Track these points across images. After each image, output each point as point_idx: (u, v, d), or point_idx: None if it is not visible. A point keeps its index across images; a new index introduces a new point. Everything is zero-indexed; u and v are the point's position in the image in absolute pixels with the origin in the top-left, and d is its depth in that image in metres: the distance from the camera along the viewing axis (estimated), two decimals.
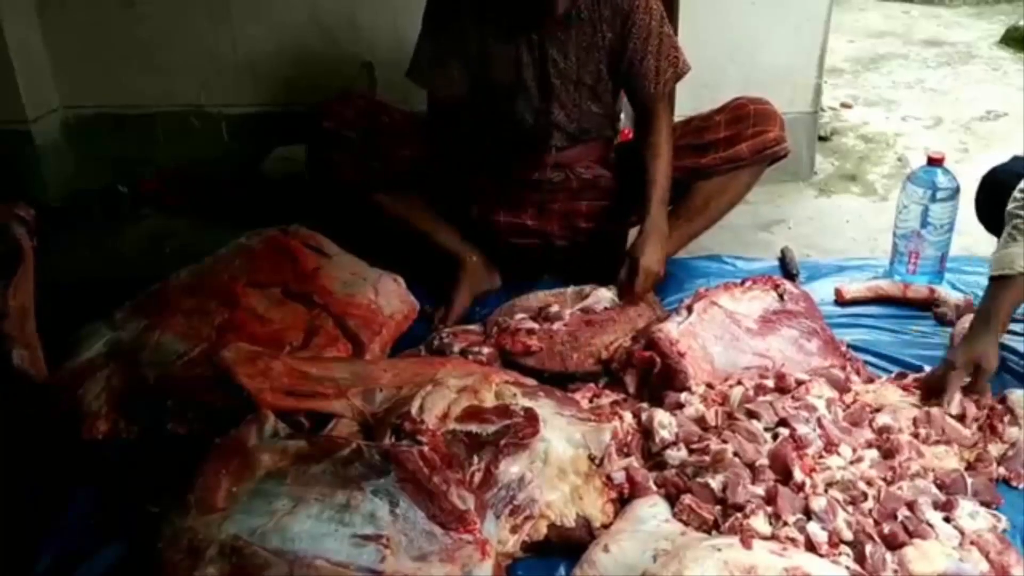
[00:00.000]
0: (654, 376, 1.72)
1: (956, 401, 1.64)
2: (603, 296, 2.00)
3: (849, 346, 1.90)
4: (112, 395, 1.70)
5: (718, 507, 1.38)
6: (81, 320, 1.85)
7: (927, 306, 2.08)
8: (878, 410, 1.63)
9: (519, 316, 1.96)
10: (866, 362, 1.86)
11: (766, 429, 1.53)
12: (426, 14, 2.05)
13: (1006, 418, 1.61)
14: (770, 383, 1.68)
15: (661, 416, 1.58)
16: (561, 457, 1.42)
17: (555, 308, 1.97)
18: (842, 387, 1.68)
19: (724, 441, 1.49)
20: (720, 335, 1.79)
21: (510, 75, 2.03)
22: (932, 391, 1.68)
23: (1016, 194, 1.79)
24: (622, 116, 2.28)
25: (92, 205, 2.81)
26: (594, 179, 2.17)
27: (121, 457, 1.63)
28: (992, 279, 1.73)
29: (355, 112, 2.07)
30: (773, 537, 1.31)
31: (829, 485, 1.41)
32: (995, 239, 1.94)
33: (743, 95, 2.14)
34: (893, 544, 1.31)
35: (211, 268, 1.94)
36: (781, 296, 1.90)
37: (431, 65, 2.05)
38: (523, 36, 1.99)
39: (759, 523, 1.33)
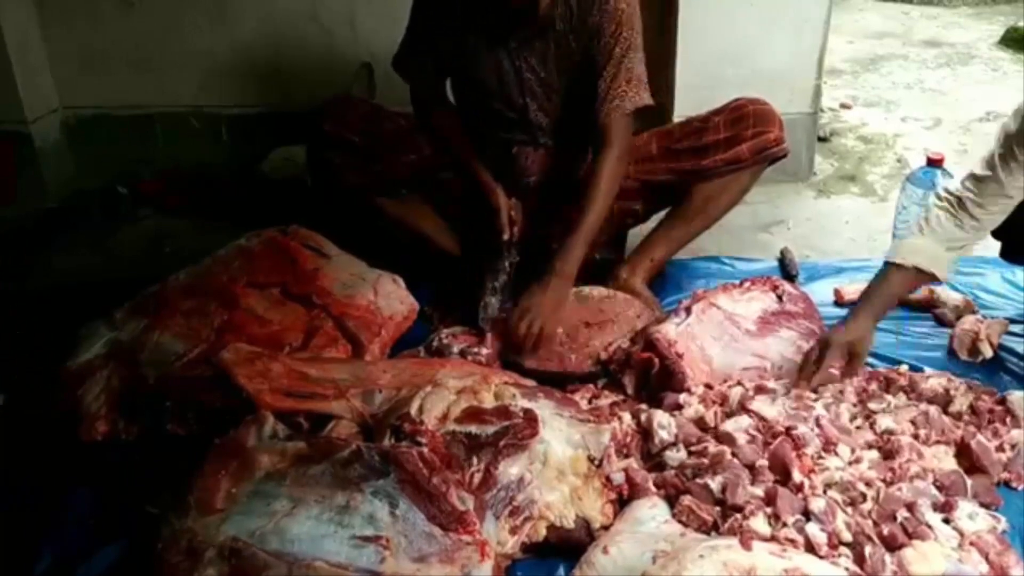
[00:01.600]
0: (653, 377, 1.72)
1: (820, 380, 1.66)
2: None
3: None
4: (112, 395, 1.70)
5: (717, 508, 1.38)
6: (81, 320, 1.86)
7: (927, 307, 2.08)
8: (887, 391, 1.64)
9: None
10: (866, 363, 1.85)
11: None
12: (414, 7, 2.05)
13: (1008, 420, 1.61)
14: (772, 384, 1.68)
15: (660, 417, 1.58)
16: (560, 458, 1.42)
17: None
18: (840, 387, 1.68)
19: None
20: (719, 336, 1.79)
21: (492, 79, 2.03)
22: (807, 369, 1.69)
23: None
24: None
25: (92, 205, 2.81)
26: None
27: (121, 457, 1.64)
28: (885, 263, 1.75)
29: (357, 116, 2.07)
30: (772, 538, 1.31)
31: (828, 486, 1.41)
32: (996, 240, 1.94)
33: (742, 96, 2.13)
34: (892, 545, 1.31)
35: (210, 269, 1.94)
36: (780, 297, 1.90)
37: (413, 59, 2.06)
38: (502, 43, 1.98)
39: (758, 524, 1.33)
